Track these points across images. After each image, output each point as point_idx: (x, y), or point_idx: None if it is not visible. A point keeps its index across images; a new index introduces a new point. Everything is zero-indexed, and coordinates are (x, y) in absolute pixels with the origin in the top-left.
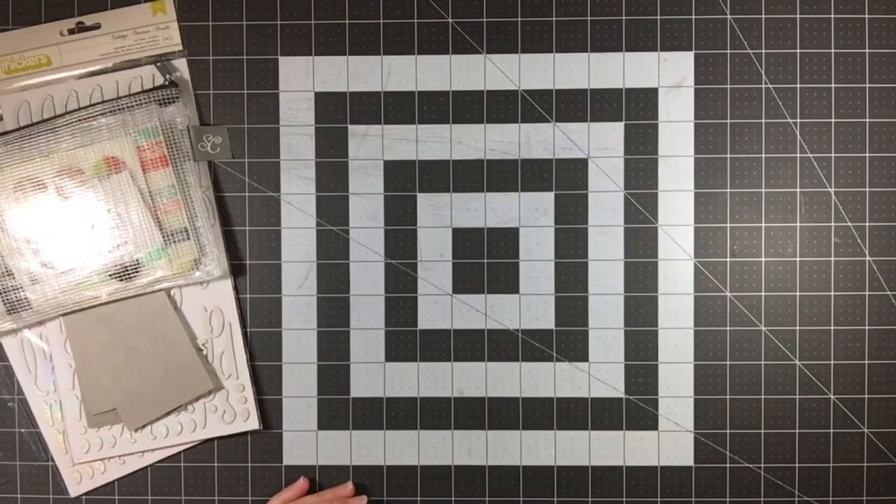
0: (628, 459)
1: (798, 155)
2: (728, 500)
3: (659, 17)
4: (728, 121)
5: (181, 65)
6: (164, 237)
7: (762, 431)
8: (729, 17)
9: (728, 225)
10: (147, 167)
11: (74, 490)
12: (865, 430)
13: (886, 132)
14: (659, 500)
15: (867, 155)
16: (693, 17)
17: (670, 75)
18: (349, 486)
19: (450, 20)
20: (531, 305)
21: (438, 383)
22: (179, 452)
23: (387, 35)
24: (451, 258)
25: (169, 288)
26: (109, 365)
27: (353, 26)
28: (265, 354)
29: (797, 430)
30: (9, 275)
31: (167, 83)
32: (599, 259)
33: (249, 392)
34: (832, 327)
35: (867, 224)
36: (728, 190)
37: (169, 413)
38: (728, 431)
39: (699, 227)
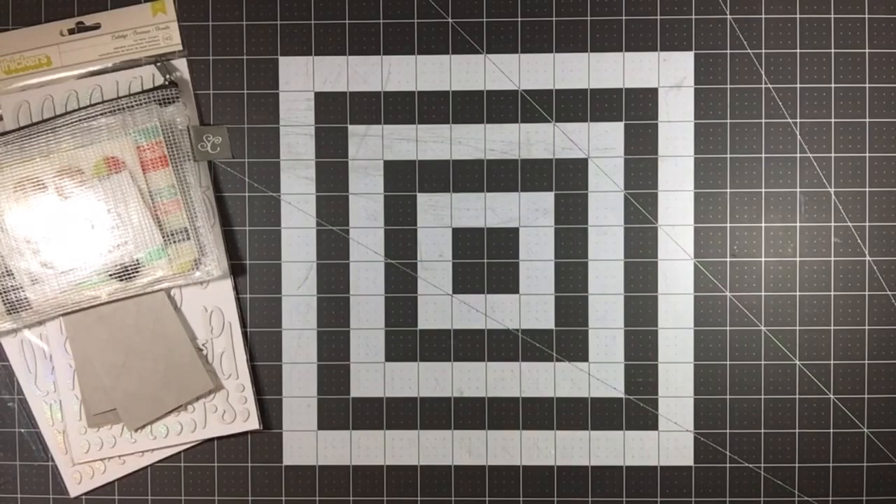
0: (628, 459)
1: (798, 155)
2: (728, 500)
3: (659, 17)
4: (728, 121)
5: (181, 65)
6: (164, 237)
7: (762, 431)
8: (729, 17)
9: (728, 225)
10: (147, 167)
11: (74, 490)
12: (865, 430)
13: (886, 132)
14: (659, 500)
15: (867, 155)
16: (693, 17)
17: (670, 75)
18: None
19: (450, 20)
20: (531, 305)
21: (438, 383)
22: (179, 452)
23: (387, 35)
24: (451, 258)
25: (169, 288)
26: (109, 365)
27: (353, 26)
28: (265, 354)
29: (797, 430)
30: (9, 275)
31: (167, 83)
32: (599, 259)
33: (249, 392)
34: (832, 327)
35: (867, 224)
36: (728, 190)
37: (169, 413)
38: (728, 431)
39: (699, 227)
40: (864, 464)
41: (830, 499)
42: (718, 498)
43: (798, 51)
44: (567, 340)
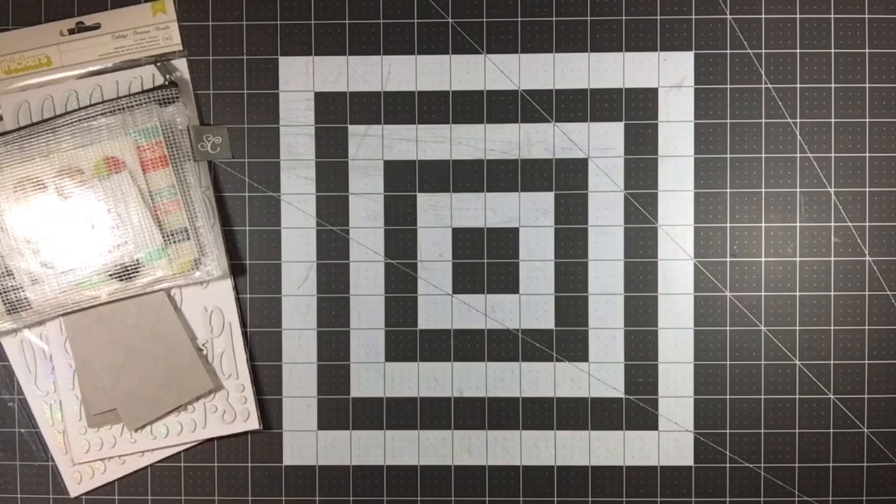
0: (628, 459)
1: (798, 155)
2: (728, 500)
3: (659, 17)
4: (728, 121)
5: (181, 65)
6: (164, 237)
7: (762, 431)
8: (729, 17)
9: (728, 225)
10: (147, 167)
11: (74, 490)
12: (865, 430)
13: (886, 132)
14: (659, 500)
15: (867, 155)
16: (693, 17)
17: (670, 75)
18: None
19: (450, 20)
20: (531, 305)
21: (438, 383)
22: (179, 452)
23: (387, 35)
24: (451, 258)
25: (169, 288)
26: (109, 365)
27: (353, 26)
28: (265, 354)
29: (797, 430)
30: (9, 275)
31: (167, 83)
32: (599, 259)
33: (249, 392)
34: (832, 327)
35: (867, 224)
36: (728, 190)
37: (169, 413)
38: (728, 431)
39: (699, 227)
40: (864, 464)
41: (830, 499)
42: (718, 498)
43: (798, 51)
44: (567, 340)
